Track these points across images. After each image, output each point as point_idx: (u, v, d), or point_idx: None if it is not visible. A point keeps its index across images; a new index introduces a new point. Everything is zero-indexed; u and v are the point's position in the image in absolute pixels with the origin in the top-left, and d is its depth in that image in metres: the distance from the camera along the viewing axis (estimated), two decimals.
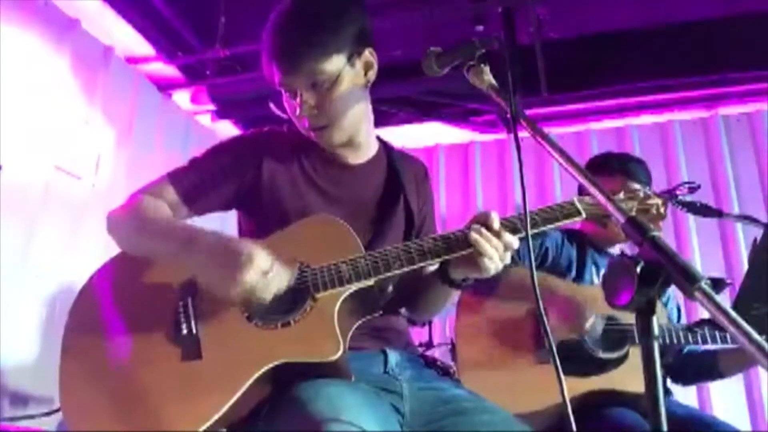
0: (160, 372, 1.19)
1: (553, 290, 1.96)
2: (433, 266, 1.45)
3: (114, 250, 1.39)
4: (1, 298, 2.63)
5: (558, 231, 2.17)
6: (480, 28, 3.55)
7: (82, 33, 3.32)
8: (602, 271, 2.15)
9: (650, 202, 1.47)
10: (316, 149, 1.48)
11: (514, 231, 1.29)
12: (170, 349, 1.21)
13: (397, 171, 1.54)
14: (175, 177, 1.43)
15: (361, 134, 1.48)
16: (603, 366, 1.89)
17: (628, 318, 1.93)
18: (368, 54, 1.42)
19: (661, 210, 1.46)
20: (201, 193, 1.42)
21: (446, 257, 1.31)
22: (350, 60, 1.37)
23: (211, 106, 4.14)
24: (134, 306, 1.29)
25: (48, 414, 2.41)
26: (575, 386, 1.84)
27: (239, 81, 3.88)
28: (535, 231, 1.35)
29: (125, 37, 3.49)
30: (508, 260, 1.31)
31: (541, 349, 1.90)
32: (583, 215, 1.38)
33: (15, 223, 2.80)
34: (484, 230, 1.28)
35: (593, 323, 1.89)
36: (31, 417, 2.49)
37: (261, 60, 1.40)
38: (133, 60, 3.69)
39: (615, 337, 1.93)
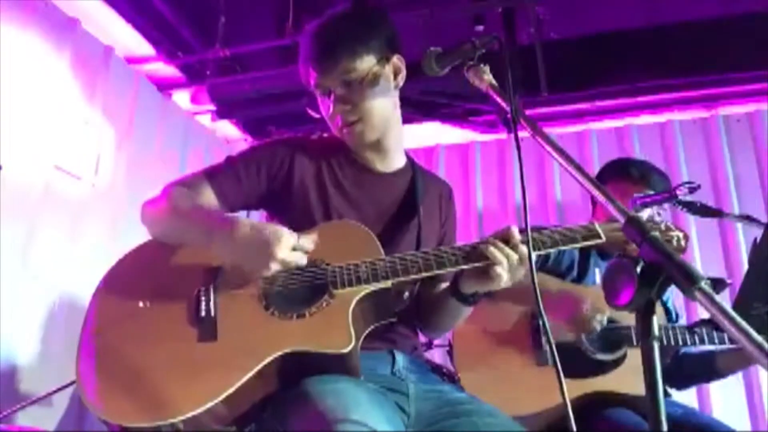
0: (175, 350, 1.25)
1: (548, 291, 1.96)
2: (446, 282, 1.51)
3: (114, 250, 1.41)
4: (0, 298, 2.63)
5: None
6: (480, 28, 3.54)
7: (82, 33, 3.32)
8: None
9: (671, 233, 1.48)
10: (345, 154, 1.57)
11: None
12: (189, 329, 1.27)
13: (417, 188, 1.59)
14: (210, 173, 1.51)
15: (390, 138, 1.55)
16: (601, 367, 1.89)
17: (626, 319, 1.93)
18: (396, 60, 1.54)
19: (682, 243, 1.47)
20: (233, 189, 1.49)
21: (464, 266, 1.34)
22: (379, 62, 1.48)
23: (211, 106, 4.13)
24: (159, 288, 1.35)
25: (61, 389, 2.39)
26: (574, 388, 1.84)
27: (239, 81, 3.88)
28: (555, 249, 1.39)
29: (125, 37, 3.48)
30: (521, 275, 1.33)
31: (539, 351, 1.90)
32: (603, 239, 1.39)
33: (15, 223, 2.79)
34: (501, 243, 1.31)
35: (600, 320, 1.88)
36: (41, 399, 2.46)
37: (299, 68, 1.54)
38: (133, 60, 3.68)
39: (612, 338, 1.93)
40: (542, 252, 1.37)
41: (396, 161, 1.60)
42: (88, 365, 1.26)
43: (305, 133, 1.66)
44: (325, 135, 1.61)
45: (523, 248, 1.30)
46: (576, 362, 1.87)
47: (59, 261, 3.02)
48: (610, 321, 1.94)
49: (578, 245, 1.39)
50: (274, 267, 1.23)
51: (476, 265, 1.33)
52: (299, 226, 1.39)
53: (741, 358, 2.04)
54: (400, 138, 1.60)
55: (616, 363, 1.90)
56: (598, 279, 2.14)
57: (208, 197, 1.47)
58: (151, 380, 1.20)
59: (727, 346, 2.00)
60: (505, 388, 1.85)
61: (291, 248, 1.25)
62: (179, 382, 1.19)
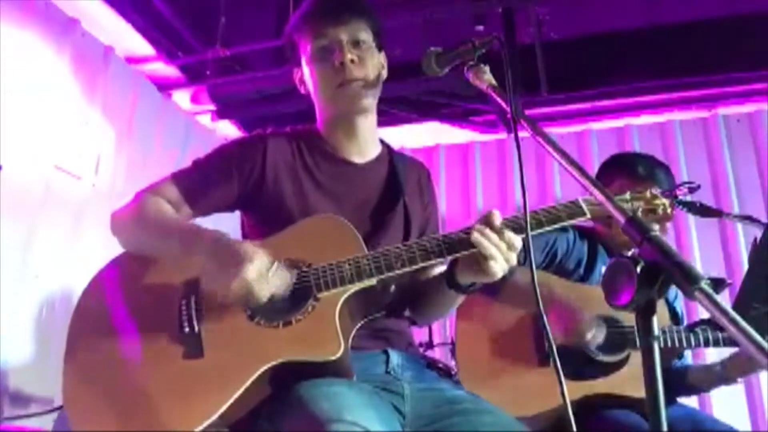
0: (161, 370, 1.21)
1: (552, 293, 1.95)
2: (437, 269, 1.47)
3: (114, 250, 1.40)
4: (1, 298, 2.63)
5: (571, 228, 2.13)
6: (480, 28, 3.56)
7: (82, 33, 3.32)
8: None
9: (657, 202, 1.46)
10: (319, 147, 1.52)
11: (517, 230, 1.29)
12: (173, 347, 1.22)
13: (398, 173, 1.56)
14: (178, 177, 1.47)
15: (367, 124, 1.53)
16: (603, 369, 1.88)
17: (630, 320, 1.92)
18: (383, 55, 1.56)
19: (668, 210, 1.45)
20: (204, 194, 1.45)
21: (448, 257, 1.31)
22: (377, 46, 1.51)
23: (211, 106, 4.14)
24: (138, 305, 1.30)
25: (50, 411, 2.41)
26: (575, 389, 1.82)
27: (239, 81, 3.88)
28: (539, 231, 1.35)
29: (125, 37, 3.49)
30: (513, 261, 1.30)
31: (542, 352, 1.90)
32: (588, 215, 1.37)
33: (15, 223, 2.79)
34: (486, 230, 1.27)
35: (594, 335, 1.88)
36: (32, 416, 2.48)
37: (291, 29, 1.55)
38: (133, 60, 3.69)
39: (615, 340, 1.92)
40: (534, 233, 1.34)
41: (372, 151, 1.57)
42: (74, 390, 1.23)
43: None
44: (298, 127, 1.57)
45: (510, 233, 1.27)
46: (579, 364, 1.86)
47: (59, 261, 3.02)
48: (615, 322, 1.93)
49: (564, 223, 1.36)
50: (239, 291, 1.18)
51: (462, 254, 1.29)
52: (276, 225, 1.36)
53: (712, 377, 2.01)
54: (374, 128, 1.58)
55: (619, 365, 1.89)
56: None
57: (178, 204, 1.43)
58: (141, 404, 1.17)
59: (730, 349, 1.98)
60: (508, 388, 1.84)
61: (262, 273, 1.19)
62: (171, 404, 1.16)
